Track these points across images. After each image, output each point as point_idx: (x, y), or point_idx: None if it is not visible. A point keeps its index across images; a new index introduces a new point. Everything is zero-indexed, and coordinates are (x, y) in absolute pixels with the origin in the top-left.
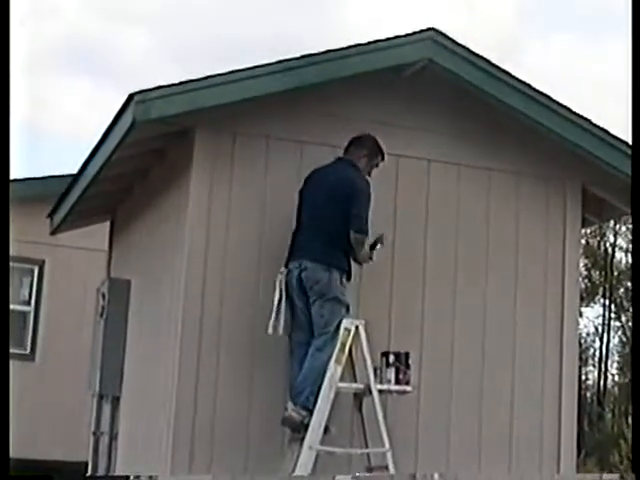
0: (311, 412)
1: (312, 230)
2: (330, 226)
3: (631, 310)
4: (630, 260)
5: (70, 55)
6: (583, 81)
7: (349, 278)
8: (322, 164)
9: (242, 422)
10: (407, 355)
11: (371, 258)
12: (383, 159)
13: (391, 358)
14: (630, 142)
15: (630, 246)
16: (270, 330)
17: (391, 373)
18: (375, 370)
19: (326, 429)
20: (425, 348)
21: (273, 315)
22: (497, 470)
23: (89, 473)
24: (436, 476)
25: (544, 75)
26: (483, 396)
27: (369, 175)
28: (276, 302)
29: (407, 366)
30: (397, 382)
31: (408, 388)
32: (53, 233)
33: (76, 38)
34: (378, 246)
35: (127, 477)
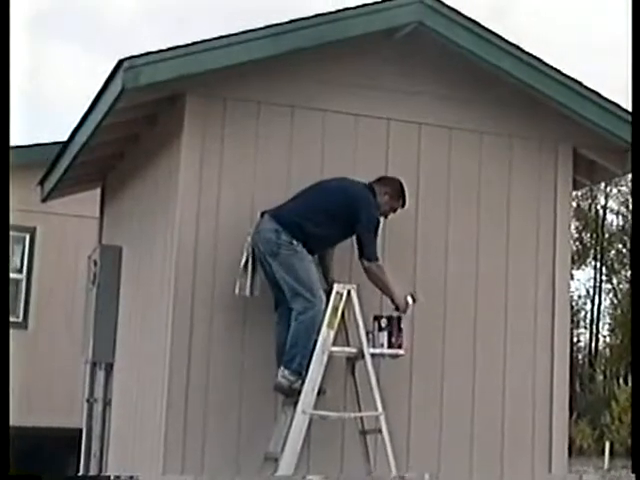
0: (303, 377)
1: (299, 205)
2: (316, 212)
3: (631, 309)
4: (621, 223)
5: (59, 21)
6: (575, 43)
7: (312, 252)
8: (313, 128)
9: (234, 387)
10: (399, 319)
11: (405, 312)
12: (403, 206)
13: (383, 322)
14: (626, 107)
15: (621, 208)
16: (236, 291)
17: (383, 337)
18: (368, 334)
19: (320, 391)
20: (417, 311)
21: (239, 276)
22: (491, 429)
23: (83, 439)
24: (426, 476)
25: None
26: (476, 359)
27: (384, 216)
28: (242, 263)
29: (399, 329)
30: (390, 346)
31: (401, 352)
32: (44, 200)
33: (64, 3)
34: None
35: (108, 477)
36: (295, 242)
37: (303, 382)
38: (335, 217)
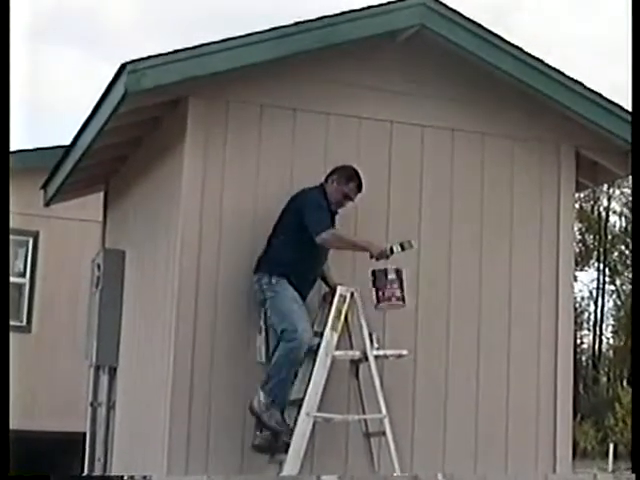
0: (275, 407)
1: (271, 240)
2: (278, 237)
3: (631, 307)
4: (624, 224)
5: (59, 25)
6: (577, 45)
7: (306, 274)
8: (315, 131)
9: (239, 389)
10: (386, 271)
11: (387, 257)
12: (359, 190)
13: (371, 278)
14: (629, 108)
15: (624, 210)
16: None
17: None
18: (371, 336)
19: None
20: (421, 311)
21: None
22: (493, 429)
23: (87, 444)
24: (439, 476)
25: (537, 39)
26: (480, 360)
27: (340, 205)
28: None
29: (386, 282)
30: (378, 300)
31: (404, 352)
32: (47, 204)
33: (65, 8)
34: (395, 248)
35: (121, 477)
36: (274, 280)
37: (277, 424)
38: (299, 231)
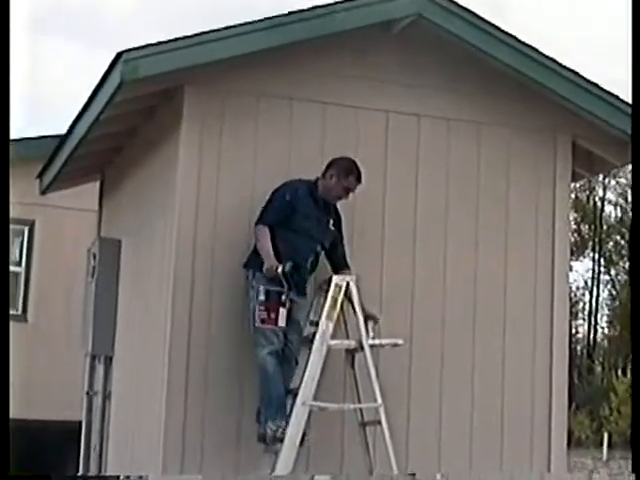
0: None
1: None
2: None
3: (631, 312)
4: (619, 214)
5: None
6: (574, 36)
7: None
8: (312, 121)
9: (235, 381)
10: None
11: (277, 274)
12: (358, 181)
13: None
14: (624, 98)
15: (619, 200)
16: None
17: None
18: (367, 324)
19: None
20: (416, 303)
21: None
22: (488, 418)
23: (82, 432)
24: (438, 477)
25: (533, 30)
26: (475, 350)
27: (339, 198)
28: None
29: (267, 301)
30: (254, 319)
31: (400, 341)
32: (43, 193)
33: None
34: (287, 268)
35: (117, 477)
36: (250, 276)
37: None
38: (275, 224)
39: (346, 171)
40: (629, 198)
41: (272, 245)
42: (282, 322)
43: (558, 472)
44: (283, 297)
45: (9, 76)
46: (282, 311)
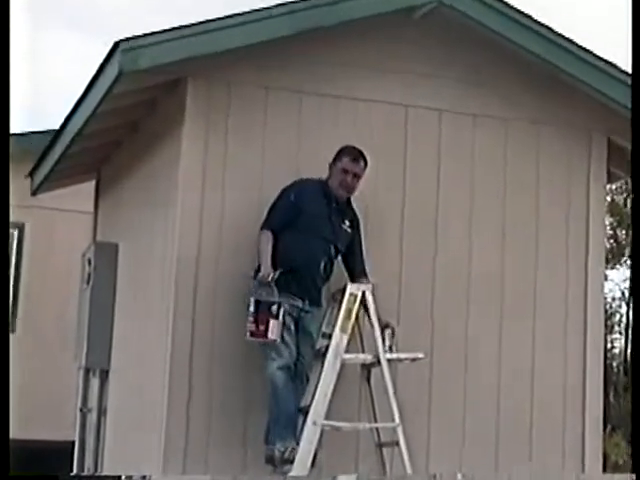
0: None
1: None
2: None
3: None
4: None
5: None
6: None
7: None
8: (324, 114)
9: (238, 389)
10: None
11: (268, 282)
12: (357, 161)
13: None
14: None
15: None
16: None
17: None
18: (384, 335)
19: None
20: (437, 309)
21: None
22: (516, 440)
23: (76, 453)
24: (459, 476)
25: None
26: (501, 365)
27: (349, 187)
28: None
29: (258, 312)
30: (251, 334)
31: (420, 355)
32: (34, 193)
33: None
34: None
35: (119, 477)
36: (251, 285)
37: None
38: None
39: (340, 154)
40: None
41: (280, 249)
42: (273, 335)
43: None
44: (274, 308)
45: (9, 76)
46: (273, 323)
